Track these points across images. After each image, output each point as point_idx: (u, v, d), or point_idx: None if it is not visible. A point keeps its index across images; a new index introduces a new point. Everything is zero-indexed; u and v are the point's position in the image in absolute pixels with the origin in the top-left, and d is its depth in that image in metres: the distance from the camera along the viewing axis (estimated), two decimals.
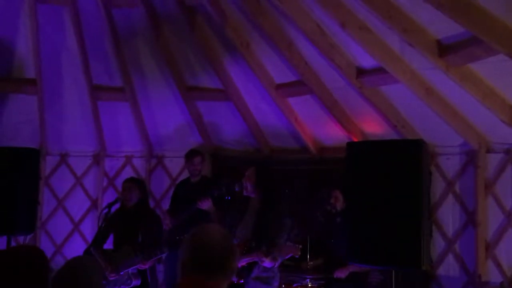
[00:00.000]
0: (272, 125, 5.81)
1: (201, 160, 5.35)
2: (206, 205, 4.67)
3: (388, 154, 3.37)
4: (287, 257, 3.92)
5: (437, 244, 4.91)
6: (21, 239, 5.32)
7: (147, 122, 6.15)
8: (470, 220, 4.71)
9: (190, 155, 5.33)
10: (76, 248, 5.92)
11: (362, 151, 3.53)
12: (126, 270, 4.30)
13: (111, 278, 4.32)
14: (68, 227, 6.30)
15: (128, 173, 6.18)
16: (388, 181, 3.30)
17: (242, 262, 3.72)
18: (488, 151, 4.61)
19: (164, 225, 4.97)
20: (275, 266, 3.78)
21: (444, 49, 3.86)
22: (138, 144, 6.31)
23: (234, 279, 3.73)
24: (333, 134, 5.47)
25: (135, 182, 4.71)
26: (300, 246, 3.92)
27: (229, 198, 4.08)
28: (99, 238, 4.55)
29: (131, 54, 5.60)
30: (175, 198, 5.44)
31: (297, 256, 3.96)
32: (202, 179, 5.40)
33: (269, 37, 4.82)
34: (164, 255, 4.32)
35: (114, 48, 5.46)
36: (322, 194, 5.15)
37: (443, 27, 3.75)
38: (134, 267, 4.30)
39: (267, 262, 3.66)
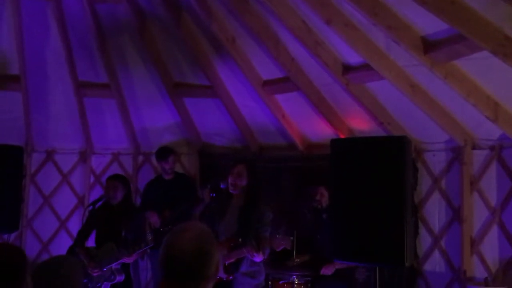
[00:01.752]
0: (259, 121, 5.79)
1: (174, 158, 5.34)
2: (206, 196, 4.63)
3: (372, 151, 3.36)
4: (279, 249, 3.90)
5: (424, 240, 4.94)
6: (5, 237, 5.26)
7: (134, 119, 6.11)
8: (456, 216, 4.73)
9: (165, 154, 5.28)
10: (63, 245, 5.87)
11: (346, 148, 3.52)
12: (109, 266, 4.28)
13: (94, 274, 4.30)
14: (54, 225, 6.25)
15: (115, 170, 6.13)
16: (371, 178, 3.29)
17: (231, 259, 3.71)
18: (474, 147, 4.63)
19: (153, 223, 4.93)
20: (264, 258, 3.78)
21: (429, 46, 3.86)
22: (125, 141, 6.27)
23: (223, 276, 3.71)
24: (320, 131, 5.47)
25: (119, 180, 4.68)
26: (292, 238, 3.91)
27: (214, 195, 4.06)
28: (82, 235, 4.52)
29: (116, 50, 5.55)
30: (147, 198, 5.36)
31: (289, 248, 3.95)
32: (176, 175, 5.38)
33: (256, 34, 4.80)
34: (148, 247, 4.28)
35: (99, 44, 5.41)
36: (309, 191, 5.15)
37: (428, 23, 3.75)
38: (118, 262, 4.28)
39: (257, 257, 3.66)
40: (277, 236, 3.90)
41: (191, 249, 1.70)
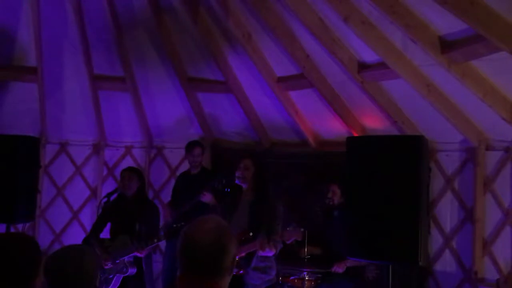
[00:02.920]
0: (272, 118, 5.81)
1: (201, 151, 5.37)
2: (207, 198, 4.70)
3: (388, 149, 3.37)
4: (289, 241, 3.90)
5: (435, 240, 4.93)
6: (20, 227, 5.33)
7: (148, 112, 6.15)
8: (468, 217, 4.72)
9: (190, 147, 5.35)
10: (75, 236, 5.95)
11: (363, 146, 3.53)
12: (122, 259, 4.32)
13: (106, 267, 4.34)
14: (67, 216, 6.31)
15: (128, 163, 6.17)
16: (387, 176, 3.30)
17: (242, 253, 3.73)
18: (488, 148, 4.61)
19: (165, 217, 4.98)
20: (275, 253, 3.80)
21: (447, 46, 3.85)
22: (138, 134, 6.32)
23: (234, 270, 3.73)
24: (333, 128, 5.48)
25: (134, 172, 4.72)
26: (303, 229, 3.90)
27: (229, 190, 4.10)
28: (96, 227, 4.57)
29: (132, 44, 5.59)
30: (176, 190, 5.46)
31: (299, 239, 3.94)
32: (202, 171, 5.42)
33: (271, 30, 4.81)
34: (160, 243, 4.33)
35: (115, 37, 5.45)
36: (321, 188, 5.16)
37: (446, 23, 3.73)
38: (130, 255, 4.32)
39: (268, 250, 3.68)
40: (288, 229, 3.89)
41: (209, 242, 1.71)
